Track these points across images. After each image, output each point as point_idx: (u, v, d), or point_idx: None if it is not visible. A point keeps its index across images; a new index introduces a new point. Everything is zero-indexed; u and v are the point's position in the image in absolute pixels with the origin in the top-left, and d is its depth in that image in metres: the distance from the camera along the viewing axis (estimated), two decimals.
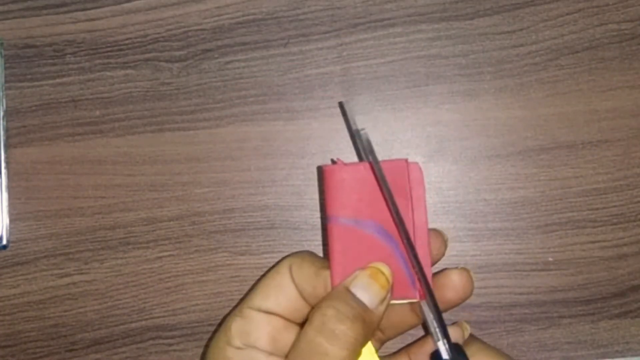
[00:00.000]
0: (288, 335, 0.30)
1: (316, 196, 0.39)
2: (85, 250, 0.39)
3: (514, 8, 0.39)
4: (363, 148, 0.30)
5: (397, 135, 0.39)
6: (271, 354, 0.29)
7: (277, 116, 0.39)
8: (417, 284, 0.29)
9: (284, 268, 0.30)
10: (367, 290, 0.28)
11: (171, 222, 0.39)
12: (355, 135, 0.30)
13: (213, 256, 0.38)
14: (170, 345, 0.38)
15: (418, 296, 0.29)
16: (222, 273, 0.38)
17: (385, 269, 0.29)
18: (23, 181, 0.39)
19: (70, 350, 0.38)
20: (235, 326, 0.29)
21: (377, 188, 0.29)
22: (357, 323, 0.27)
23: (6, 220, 0.39)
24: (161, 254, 0.39)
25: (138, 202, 0.39)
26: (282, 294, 0.30)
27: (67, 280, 0.39)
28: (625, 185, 0.38)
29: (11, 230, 0.39)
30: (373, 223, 0.29)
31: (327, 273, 0.29)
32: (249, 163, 0.39)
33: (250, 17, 0.40)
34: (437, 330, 0.29)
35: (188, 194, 0.39)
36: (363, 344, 0.28)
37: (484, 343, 0.32)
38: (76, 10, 0.40)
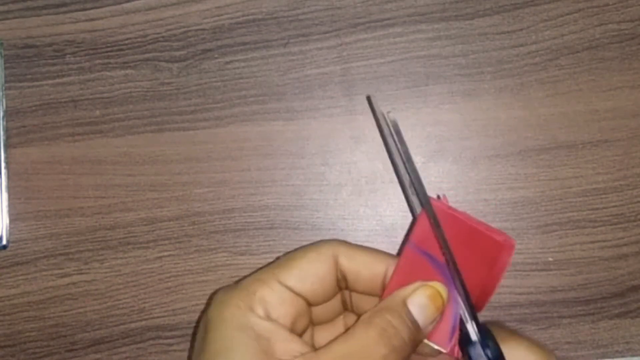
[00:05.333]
0: (305, 319, 0.29)
1: (316, 196, 0.39)
2: (85, 250, 0.39)
3: (514, 8, 0.39)
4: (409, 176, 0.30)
5: None
6: (292, 333, 0.28)
7: (277, 116, 0.39)
8: (454, 340, 0.29)
9: (327, 254, 0.30)
10: (424, 311, 0.28)
11: (171, 222, 0.39)
12: (399, 155, 0.31)
13: (213, 256, 0.38)
14: (170, 345, 0.38)
15: (449, 351, 0.29)
16: (222, 273, 0.38)
17: (444, 292, 0.29)
18: (23, 181, 0.39)
19: (70, 350, 0.38)
20: (261, 294, 0.28)
21: (464, 236, 0.30)
22: (408, 342, 0.27)
23: (6, 220, 0.39)
24: (161, 254, 0.39)
25: (138, 202, 0.39)
26: (319, 281, 0.29)
27: (67, 280, 0.39)
28: (625, 185, 0.38)
29: (11, 230, 0.39)
30: (442, 264, 0.30)
31: (377, 266, 0.30)
32: (249, 163, 0.39)
33: (250, 17, 0.40)
34: (466, 313, 0.29)
35: (188, 194, 0.39)
36: (408, 356, 0.28)
37: (514, 331, 0.31)
38: (76, 10, 0.40)
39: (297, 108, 0.39)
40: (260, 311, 0.28)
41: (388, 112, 0.30)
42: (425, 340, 0.29)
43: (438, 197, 0.31)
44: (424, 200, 0.30)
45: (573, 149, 0.38)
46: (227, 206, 0.39)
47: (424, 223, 0.30)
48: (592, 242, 0.38)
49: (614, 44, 0.39)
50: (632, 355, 0.38)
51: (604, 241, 0.38)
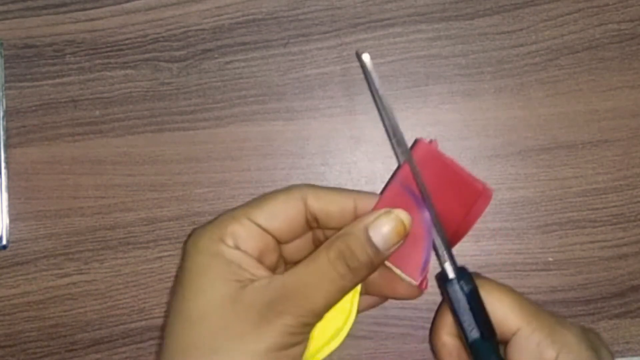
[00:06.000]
0: (272, 255, 0.32)
1: None
2: (85, 250, 0.39)
3: (514, 8, 0.39)
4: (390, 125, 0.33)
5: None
6: (259, 262, 0.30)
7: (277, 116, 0.39)
8: (424, 274, 0.31)
9: (296, 196, 0.32)
10: (384, 235, 0.30)
11: (171, 222, 0.39)
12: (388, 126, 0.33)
13: None
14: None
15: (419, 283, 0.31)
16: None
17: (407, 220, 0.30)
18: (23, 181, 0.39)
19: (70, 350, 0.38)
20: (232, 229, 0.31)
21: (447, 179, 0.32)
22: (365, 265, 0.29)
23: (6, 220, 0.39)
24: (161, 254, 0.39)
25: (138, 202, 0.39)
26: (287, 220, 0.31)
27: (67, 280, 0.39)
28: (625, 185, 0.38)
29: (11, 230, 0.39)
30: (423, 202, 0.32)
31: (345, 201, 0.32)
32: (249, 163, 0.39)
33: (250, 17, 0.40)
34: (444, 253, 0.31)
35: (188, 194, 0.39)
36: (362, 279, 0.30)
37: (493, 280, 0.33)
38: (76, 10, 0.40)
39: (297, 108, 0.39)
40: (230, 242, 0.30)
41: (362, 53, 0.32)
42: (398, 272, 0.31)
43: (430, 141, 0.33)
44: (403, 148, 0.32)
45: (573, 149, 0.38)
46: (227, 206, 0.39)
47: (412, 163, 0.32)
48: (592, 242, 0.38)
49: (614, 44, 0.39)
50: (632, 355, 0.38)
51: (604, 241, 0.38)
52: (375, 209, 0.31)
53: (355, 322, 0.37)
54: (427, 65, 0.39)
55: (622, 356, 0.38)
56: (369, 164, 0.39)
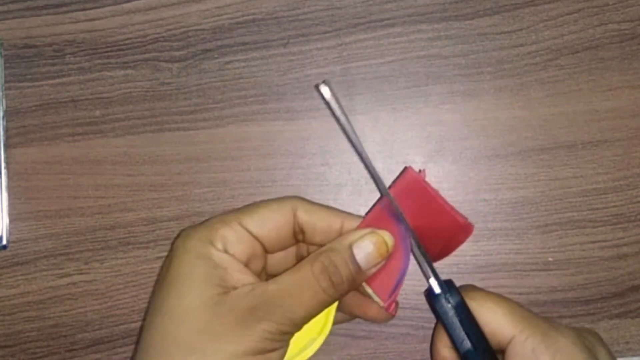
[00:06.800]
0: (259, 261, 0.32)
1: (316, 196, 0.39)
2: (85, 250, 0.39)
3: (514, 8, 0.39)
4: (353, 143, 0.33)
5: (397, 135, 0.39)
6: (246, 267, 0.31)
7: (277, 116, 0.39)
8: (393, 297, 0.32)
9: (287, 207, 0.32)
10: (367, 254, 0.30)
11: (171, 222, 0.39)
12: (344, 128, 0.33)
13: None
14: None
15: (386, 307, 0.32)
16: None
17: (390, 241, 0.31)
18: (23, 181, 0.39)
19: (70, 350, 0.38)
20: (222, 232, 0.31)
21: (430, 209, 0.33)
22: (346, 281, 0.30)
23: (6, 220, 0.39)
24: (161, 254, 0.39)
25: (138, 202, 0.39)
26: (276, 229, 0.32)
27: (67, 280, 0.39)
28: (625, 185, 0.38)
29: (11, 230, 0.39)
30: (404, 228, 0.32)
31: (332, 219, 0.32)
32: (249, 163, 0.39)
33: (250, 17, 0.40)
34: (428, 270, 0.32)
35: (188, 194, 0.39)
36: (342, 296, 0.31)
37: (482, 289, 0.33)
38: (76, 10, 0.40)
39: (297, 108, 0.39)
40: (219, 245, 0.31)
41: (321, 83, 0.32)
42: (369, 291, 0.32)
43: (420, 171, 0.33)
44: (382, 187, 0.33)
45: (573, 149, 0.38)
46: (227, 206, 0.39)
47: (400, 190, 0.33)
48: (592, 242, 0.38)
49: (614, 44, 0.39)
50: (632, 355, 0.38)
51: (604, 241, 0.38)
52: (359, 228, 0.32)
53: (355, 323, 0.37)
54: (427, 65, 0.39)
55: (622, 356, 0.38)
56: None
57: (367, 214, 0.33)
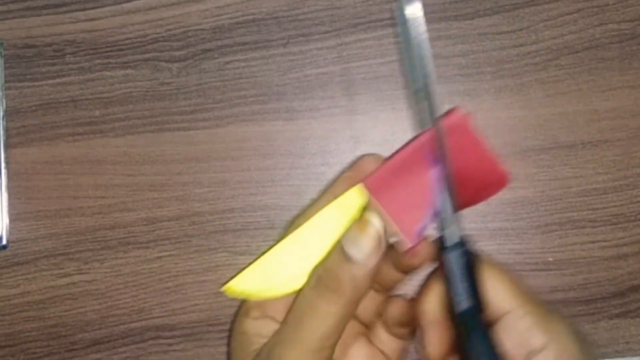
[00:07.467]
0: None
1: (316, 196, 0.39)
2: (85, 250, 0.39)
3: (514, 8, 0.39)
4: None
5: (397, 135, 0.39)
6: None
7: (277, 116, 0.39)
8: (419, 238, 0.30)
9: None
10: (356, 244, 0.28)
11: (171, 222, 0.39)
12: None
13: (213, 256, 0.38)
14: (170, 345, 0.38)
15: (410, 246, 0.30)
16: (222, 273, 0.38)
17: (376, 220, 0.29)
18: (23, 181, 0.39)
19: (70, 350, 0.38)
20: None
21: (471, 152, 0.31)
22: (346, 282, 0.28)
23: (6, 220, 0.39)
24: (161, 254, 0.39)
25: (138, 202, 0.39)
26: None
27: (67, 280, 0.39)
28: (625, 185, 0.38)
29: (11, 230, 0.39)
30: (439, 166, 0.30)
31: None
32: (249, 163, 0.39)
33: (250, 17, 0.40)
34: (451, 216, 0.30)
35: (188, 194, 0.39)
36: (356, 297, 0.28)
37: (492, 259, 0.31)
38: (76, 10, 0.40)
39: (297, 108, 0.39)
40: (254, 313, 0.31)
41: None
42: (395, 227, 0.30)
43: (467, 113, 0.31)
44: (434, 118, 0.30)
45: (573, 149, 0.38)
46: (227, 206, 0.39)
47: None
48: (592, 242, 0.38)
49: (614, 44, 0.39)
50: (632, 355, 0.38)
51: (604, 241, 0.38)
52: (385, 162, 0.30)
53: None
54: None
55: (622, 356, 0.38)
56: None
57: (397, 151, 0.31)
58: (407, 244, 0.30)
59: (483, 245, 0.38)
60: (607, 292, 0.38)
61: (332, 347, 0.28)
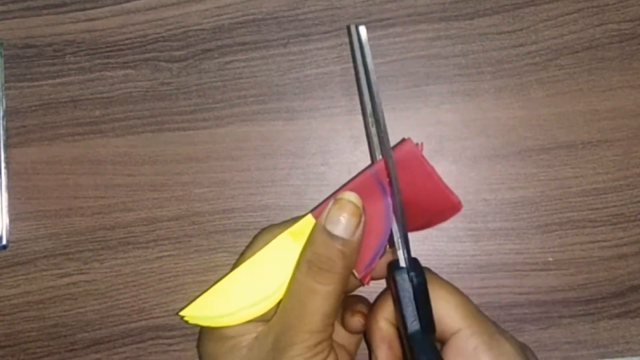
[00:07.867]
0: None
1: (316, 196, 0.39)
2: (85, 250, 0.39)
3: (514, 8, 0.39)
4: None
5: (397, 135, 0.39)
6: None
7: (277, 116, 0.39)
8: (369, 270, 0.31)
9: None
10: (340, 222, 0.29)
11: (171, 222, 0.39)
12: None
13: (213, 256, 0.38)
14: (170, 345, 0.38)
15: (361, 278, 0.31)
16: (222, 273, 0.38)
17: (353, 196, 0.30)
18: (23, 181, 0.39)
19: (70, 350, 0.38)
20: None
21: (423, 182, 0.32)
22: (337, 260, 0.29)
23: (6, 220, 0.39)
24: (161, 254, 0.39)
25: (138, 202, 0.39)
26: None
27: (67, 280, 0.39)
28: (625, 185, 0.38)
29: (11, 230, 0.39)
30: (389, 197, 0.32)
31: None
32: (249, 163, 0.39)
33: (250, 17, 0.40)
34: (401, 240, 0.31)
35: (188, 194, 0.39)
36: (348, 272, 0.30)
37: (441, 278, 0.33)
38: (76, 10, 0.40)
39: (297, 108, 0.39)
40: None
41: (357, 24, 0.31)
42: None
43: (417, 144, 0.32)
44: (387, 146, 0.32)
45: (573, 149, 0.38)
46: (227, 206, 0.39)
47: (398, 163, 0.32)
48: (592, 242, 0.38)
49: (614, 44, 0.39)
50: (632, 355, 0.38)
51: (604, 241, 0.38)
52: (342, 191, 0.31)
53: None
54: (427, 65, 0.39)
55: (622, 356, 0.38)
56: (368, 163, 0.39)
57: (351, 179, 0.32)
58: (357, 275, 0.31)
59: (483, 245, 0.38)
60: (607, 292, 0.38)
61: (333, 325, 0.29)
